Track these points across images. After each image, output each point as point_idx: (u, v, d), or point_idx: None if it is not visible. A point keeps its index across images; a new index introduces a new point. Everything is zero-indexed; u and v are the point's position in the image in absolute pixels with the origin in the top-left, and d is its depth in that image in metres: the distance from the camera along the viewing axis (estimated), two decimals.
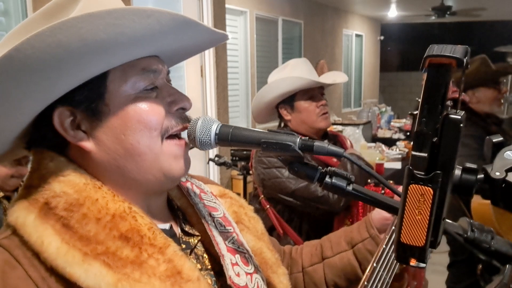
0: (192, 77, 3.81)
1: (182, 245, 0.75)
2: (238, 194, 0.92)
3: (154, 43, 0.67)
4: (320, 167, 0.69)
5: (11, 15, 2.42)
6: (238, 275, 0.73)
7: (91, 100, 0.66)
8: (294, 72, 1.87)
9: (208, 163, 3.69)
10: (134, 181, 0.70)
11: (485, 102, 2.49)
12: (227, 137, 0.70)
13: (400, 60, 11.94)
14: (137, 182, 0.70)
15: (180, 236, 0.76)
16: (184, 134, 0.74)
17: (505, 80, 2.56)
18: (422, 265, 0.55)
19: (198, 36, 0.72)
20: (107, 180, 0.69)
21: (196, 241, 0.77)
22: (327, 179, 0.69)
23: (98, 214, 0.64)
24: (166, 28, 0.63)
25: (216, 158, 3.19)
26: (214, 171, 3.96)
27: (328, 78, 1.96)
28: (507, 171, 0.56)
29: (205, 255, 0.77)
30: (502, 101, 2.55)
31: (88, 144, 0.68)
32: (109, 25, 0.58)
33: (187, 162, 0.73)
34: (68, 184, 0.65)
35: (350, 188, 0.68)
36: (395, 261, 0.97)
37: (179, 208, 0.81)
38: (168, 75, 0.75)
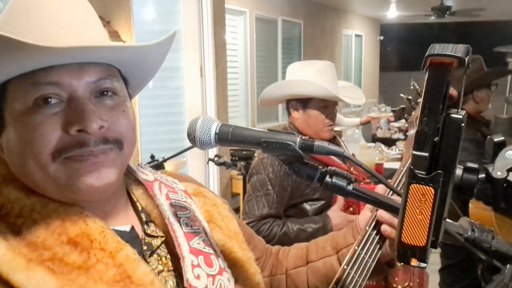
0: (192, 77, 3.81)
1: (144, 246, 0.73)
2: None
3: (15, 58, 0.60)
4: (320, 167, 0.69)
5: None
6: (198, 277, 0.71)
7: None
8: (320, 77, 1.86)
9: (207, 163, 3.69)
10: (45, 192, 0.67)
11: (477, 103, 2.52)
12: (227, 137, 0.70)
13: (400, 60, 11.95)
14: (48, 194, 0.67)
15: (143, 237, 0.75)
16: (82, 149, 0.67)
17: (497, 83, 2.59)
18: (423, 265, 0.55)
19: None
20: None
21: (159, 242, 0.76)
22: (327, 178, 0.68)
23: (48, 219, 0.63)
24: None
25: (216, 158, 3.19)
26: (213, 171, 3.96)
27: (350, 97, 1.97)
28: (509, 170, 0.56)
29: (168, 256, 0.76)
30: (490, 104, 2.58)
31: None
32: None
33: (99, 178, 0.66)
34: (20, 190, 0.66)
35: (350, 187, 0.68)
36: (378, 246, 0.96)
37: (143, 210, 0.79)
38: (97, 84, 0.67)
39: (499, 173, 0.56)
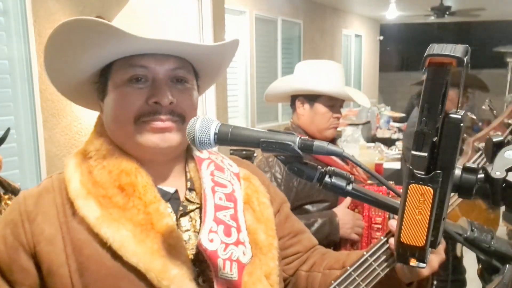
0: None
1: (180, 207, 0.90)
2: None
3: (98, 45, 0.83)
4: (319, 167, 0.69)
5: (10, 15, 2.42)
6: (211, 241, 0.83)
7: (105, 79, 0.89)
8: (330, 76, 1.87)
9: None
10: (124, 148, 0.89)
11: (452, 101, 2.56)
12: (227, 137, 0.70)
13: (399, 60, 11.94)
14: (126, 149, 0.89)
15: (183, 200, 0.91)
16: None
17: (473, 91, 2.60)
18: (422, 265, 0.55)
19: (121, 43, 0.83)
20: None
21: (194, 207, 0.91)
22: (327, 178, 0.68)
23: (112, 167, 0.86)
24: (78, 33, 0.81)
25: None
26: None
27: (358, 98, 1.98)
28: (508, 170, 0.56)
29: (199, 220, 0.90)
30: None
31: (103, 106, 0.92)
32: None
33: (164, 140, 0.86)
34: (104, 143, 0.89)
35: (349, 187, 0.68)
36: (375, 273, 0.97)
37: (190, 179, 0.95)
38: (174, 72, 0.88)
39: (498, 173, 0.56)
